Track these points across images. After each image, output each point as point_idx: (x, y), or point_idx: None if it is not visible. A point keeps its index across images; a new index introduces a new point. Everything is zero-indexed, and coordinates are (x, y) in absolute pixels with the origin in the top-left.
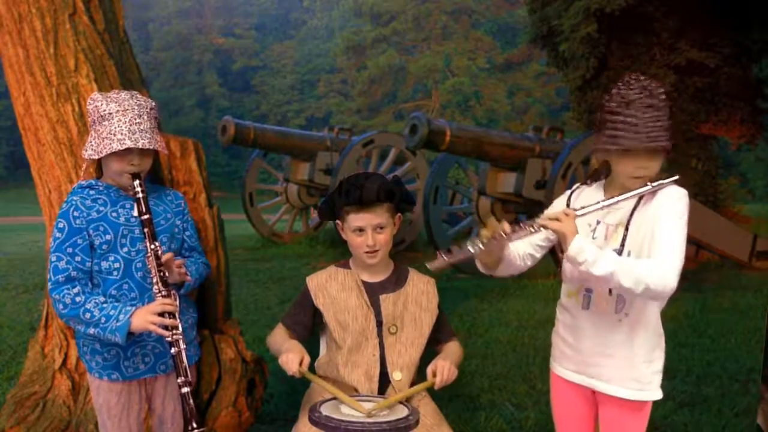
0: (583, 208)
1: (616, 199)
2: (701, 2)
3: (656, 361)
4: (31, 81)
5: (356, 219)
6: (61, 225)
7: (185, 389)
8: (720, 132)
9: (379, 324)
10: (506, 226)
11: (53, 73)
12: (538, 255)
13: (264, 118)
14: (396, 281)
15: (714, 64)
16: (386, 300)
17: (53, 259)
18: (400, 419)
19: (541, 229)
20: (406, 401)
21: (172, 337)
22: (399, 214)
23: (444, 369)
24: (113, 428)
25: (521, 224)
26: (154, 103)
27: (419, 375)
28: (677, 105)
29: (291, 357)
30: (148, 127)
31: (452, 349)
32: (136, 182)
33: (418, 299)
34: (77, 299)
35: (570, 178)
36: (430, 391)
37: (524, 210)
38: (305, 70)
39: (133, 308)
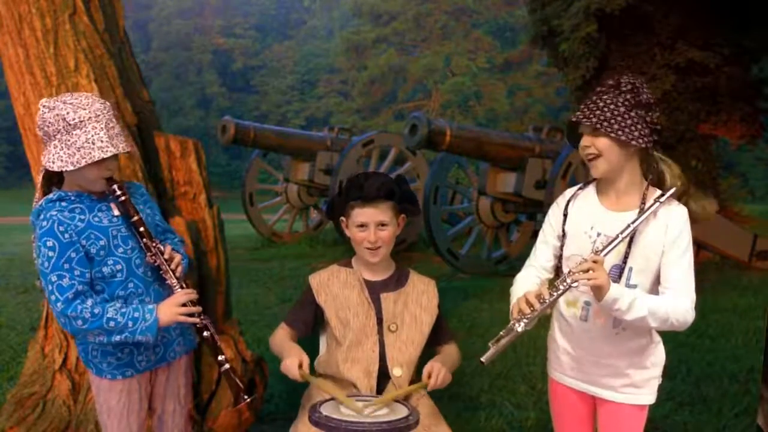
0: (605, 248)
1: (632, 227)
2: (701, 2)
3: (652, 368)
4: (31, 81)
5: (360, 214)
6: (50, 243)
7: (226, 366)
8: (720, 132)
9: (380, 322)
10: (545, 293)
11: (53, 73)
12: (552, 275)
13: (264, 118)
14: (397, 281)
15: (714, 64)
16: (387, 298)
17: (53, 279)
18: (400, 419)
19: (575, 284)
20: (405, 400)
21: (201, 323)
22: (402, 215)
23: (440, 372)
24: (114, 428)
25: (556, 284)
26: (109, 103)
27: (418, 374)
28: (677, 105)
29: (289, 363)
30: (120, 130)
31: (449, 353)
32: (115, 186)
33: (419, 299)
34: (96, 311)
35: (570, 178)
36: (429, 390)
37: (524, 210)
38: (305, 70)
39: (155, 305)
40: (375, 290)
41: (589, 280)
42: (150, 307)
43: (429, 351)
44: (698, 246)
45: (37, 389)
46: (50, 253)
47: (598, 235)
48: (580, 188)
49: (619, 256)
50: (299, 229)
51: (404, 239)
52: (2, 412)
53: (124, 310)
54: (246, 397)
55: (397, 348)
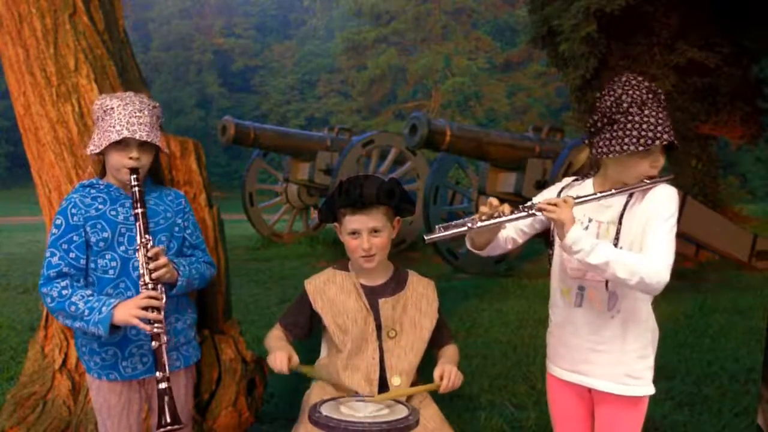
0: (579, 197)
1: (614, 191)
2: (701, 2)
3: (649, 357)
4: (31, 81)
5: (352, 221)
6: (58, 222)
7: (163, 384)
8: (720, 132)
9: (379, 327)
10: (506, 208)
11: (53, 73)
12: (521, 240)
13: (264, 118)
14: (395, 284)
15: (714, 64)
16: (385, 304)
17: (47, 254)
18: (400, 419)
19: (538, 213)
20: (407, 400)
21: (152, 331)
22: (398, 217)
23: (451, 374)
24: (113, 428)
25: (520, 207)
26: (158, 104)
27: (420, 378)
28: (677, 105)
29: (279, 355)
30: (148, 122)
31: (451, 355)
32: (133, 177)
33: (418, 303)
34: (64, 292)
35: None
36: (432, 392)
37: None
38: (305, 70)
39: (116, 301)
40: (373, 295)
41: (551, 212)
42: (111, 301)
43: (429, 353)
44: (698, 246)
45: (37, 389)
46: (55, 231)
47: (590, 220)
48: (577, 180)
49: (610, 238)
50: (299, 229)
51: (404, 239)
52: (2, 412)
53: (90, 298)
54: (169, 421)
55: (396, 355)
